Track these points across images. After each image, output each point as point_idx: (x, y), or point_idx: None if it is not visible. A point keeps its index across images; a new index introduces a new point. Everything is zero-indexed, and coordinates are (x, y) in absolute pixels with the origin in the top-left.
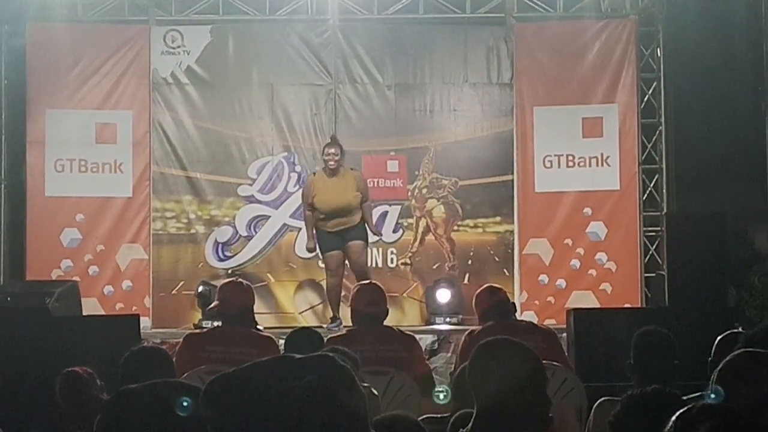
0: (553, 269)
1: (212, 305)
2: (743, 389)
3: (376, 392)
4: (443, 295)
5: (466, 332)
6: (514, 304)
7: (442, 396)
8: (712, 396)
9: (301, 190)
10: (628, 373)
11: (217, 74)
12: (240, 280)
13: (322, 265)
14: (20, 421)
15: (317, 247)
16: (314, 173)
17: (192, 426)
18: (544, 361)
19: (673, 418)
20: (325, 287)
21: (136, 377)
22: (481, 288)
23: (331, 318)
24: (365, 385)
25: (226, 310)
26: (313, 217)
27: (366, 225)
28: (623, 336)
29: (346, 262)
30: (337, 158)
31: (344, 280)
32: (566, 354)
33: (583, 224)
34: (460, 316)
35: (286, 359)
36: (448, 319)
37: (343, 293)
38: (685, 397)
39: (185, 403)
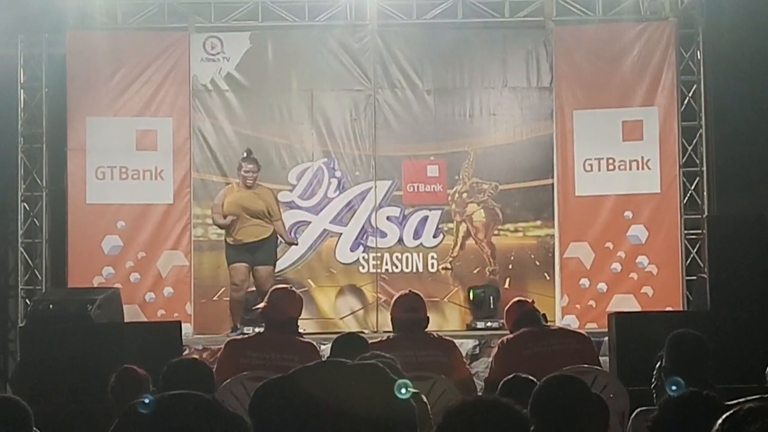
0: (594, 273)
1: (257, 306)
2: None
3: (426, 399)
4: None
5: (500, 340)
6: (545, 314)
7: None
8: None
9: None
10: (663, 375)
11: (256, 80)
12: (292, 288)
13: (363, 271)
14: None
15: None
16: (227, 184)
17: None
18: (584, 366)
19: (720, 420)
20: (230, 299)
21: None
22: (510, 302)
23: (232, 328)
24: (415, 390)
25: (272, 316)
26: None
27: (275, 246)
28: (665, 339)
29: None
30: (254, 175)
31: (384, 284)
32: (599, 357)
33: (624, 227)
34: (501, 321)
35: (336, 366)
36: (489, 324)
37: (383, 298)
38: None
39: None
